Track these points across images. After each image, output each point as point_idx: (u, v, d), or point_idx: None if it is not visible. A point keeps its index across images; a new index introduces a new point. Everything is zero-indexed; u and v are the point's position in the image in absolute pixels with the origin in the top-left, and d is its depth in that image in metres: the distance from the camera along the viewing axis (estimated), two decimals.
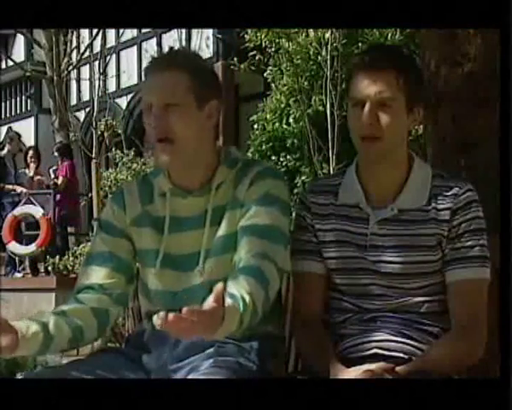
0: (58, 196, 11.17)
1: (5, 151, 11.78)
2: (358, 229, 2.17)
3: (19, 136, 12.14)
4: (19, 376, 5.27)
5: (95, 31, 13.55)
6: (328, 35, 7.85)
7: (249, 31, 8.50)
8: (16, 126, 16.77)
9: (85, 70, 14.57)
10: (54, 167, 11.65)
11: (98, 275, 2.20)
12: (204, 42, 13.19)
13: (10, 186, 11.37)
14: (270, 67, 8.81)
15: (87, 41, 14.12)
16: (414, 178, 2.17)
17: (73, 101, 16.11)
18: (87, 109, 14.79)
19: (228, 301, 1.82)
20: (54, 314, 2.08)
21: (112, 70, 14.75)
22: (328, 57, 7.83)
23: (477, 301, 2.13)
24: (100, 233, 2.29)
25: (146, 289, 2.27)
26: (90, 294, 2.17)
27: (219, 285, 1.77)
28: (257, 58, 8.77)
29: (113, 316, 2.19)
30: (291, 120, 8.71)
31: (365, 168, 2.19)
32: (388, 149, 2.11)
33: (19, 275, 11.06)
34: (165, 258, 2.20)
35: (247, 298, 1.89)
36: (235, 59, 9.42)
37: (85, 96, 15.29)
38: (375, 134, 2.09)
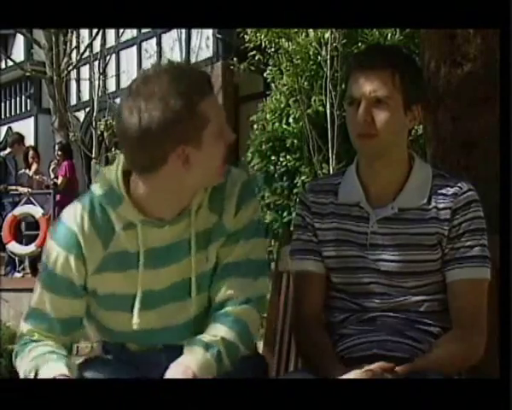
0: (58, 196, 11.17)
1: (7, 151, 11.78)
2: (359, 228, 2.17)
3: (22, 138, 12.13)
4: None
5: (94, 31, 13.56)
6: (328, 35, 7.85)
7: (249, 31, 8.50)
8: (16, 126, 16.78)
9: (85, 70, 14.58)
10: (53, 165, 11.61)
11: (43, 336, 1.97)
12: (204, 42, 13.19)
13: (13, 187, 11.38)
14: (269, 67, 8.82)
15: (87, 41, 14.14)
16: (414, 178, 2.17)
17: (73, 101, 16.12)
18: (87, 109, 14.80)
19: (199, 353, 1.88)
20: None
21: (112, 70, 14.76)
22: (328, 57, 7.84)
23: (477, 301, 2.12)
24: (47, 293, 1.96)
25: (104, 329, 2.05)
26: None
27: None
28: (257, 58, 8.78)
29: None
30: (291, 120, 8.72)
31: (365, 167, 2.19)
32: (384, 146, 2.11)
33: (19, 275, 11.06)
34: (143, 299, 1.97)
35: (222, 348, 1.91)
36: (235, 59, 9.43)
37: (85, 96, 15.30)
38: (370, 132, 2.10)
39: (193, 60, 13.18)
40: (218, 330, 1.94)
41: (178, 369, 1.86)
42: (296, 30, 7.96)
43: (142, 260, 1.94)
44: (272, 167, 8.95)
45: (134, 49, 15.14)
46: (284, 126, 8.78)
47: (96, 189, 1.96)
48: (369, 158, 2.15)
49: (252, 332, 2.01)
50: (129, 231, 1.93)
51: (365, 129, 2.10)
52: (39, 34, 14.29)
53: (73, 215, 1.95)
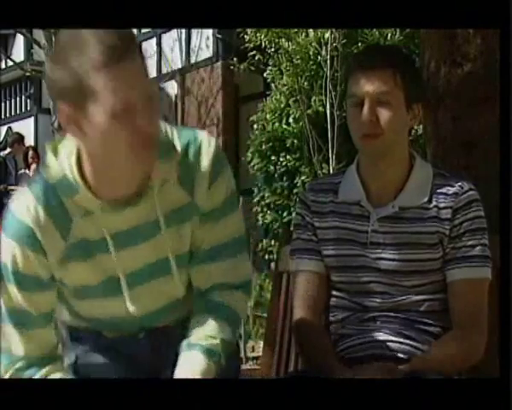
0: None
1: (7, 151, 11.78)
2: (359, 226, 2.17)
3: (22, 138, 12.13)
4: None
5: None
6: (328, 35, 7.86)
7: (249, 31, 8.52)
8: (16, 126, 16.77)
9: None
10: None
11: (23, 346, 1.85)
12: (204, 42, 13.19)
13: (13, 187, 11.38)
14: (269, 67, 8.84)
15: None
16: (415, 177, 2.17)
17: None
18: None
19: (199, 359, 1.83)
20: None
21: None
22: (328, 57, 7.85)
23: (478, 301, 2.13)
24: (19, 292, 1.82)
25: (82, 317, 1.95)
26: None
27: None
28: (257, 58, 8.80)
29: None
30: (291, 120, 8.74)
31: (367, 166, 2.19)
32: (389, 145, 2.12)
33: None
34: (117, 284, 1.87)
35: (219, 347, 1.86)
36: (235, 59, 9.44)
37: None
38: (376, 131, 2.10)
39: (193, 60, 13.19)
40: (216, 329, 1.88)
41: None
42: (296, 30, 7.97)
43: (109, 245, 1.82)
44: (272, 167, 8.97)
45: None
46: (284, 126, 8.80)
47: (48, 175, 1.80)
48: (374, 158, 2.15)
49: (241, 321, 1.95)
50: (88, 219, 1.80)
51: (371, 129, 2.10)
52: (39, 34, 14.28)
53: (25, 207, 1.79)
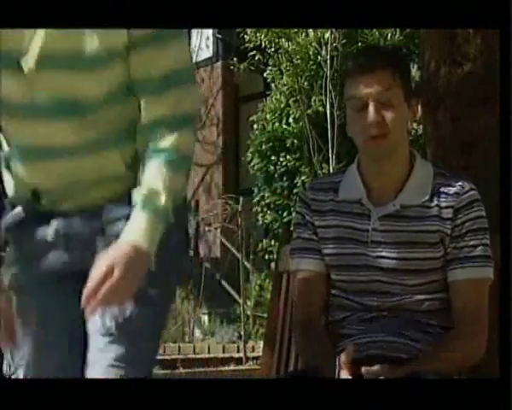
0: None
1: None
2: (360, 225, 2.17)
3: None
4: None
5: None
6: (328, 35, 7.87)
7: (249, 31, 8.52)
8: None
9: None
10: None
11: None
12: (204, 42, 13.19)
13: None
14: (269, 67, 8.84)
15: None
16: (416, 176, 2.17)
17: None
18: None
19: (142, 217, 1.74)
20: None
21: None
22: (328, 57, 7.86)
23: (479, 301, 2.13)
24: None
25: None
26: None
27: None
28: (257, 58, 8.80)
29: None
30: (291, 120, 8.74)
31: (369, 166, 2.19)
32: (394, 144, 2.13)
33: None
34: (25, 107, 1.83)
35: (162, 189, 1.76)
36: (235, 59, 9.44)
37: None
38: (384, 131, 2.10)
39: (193, 60, 13.20)
40: (162, 180, 1.77)
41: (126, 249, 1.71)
42: (296, 30, 7.98)
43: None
44: (272, 167, 8.98)
45: None
46: (284, 126, 8.80)
47: None
48: (380, 158, 2.15)
49: (190, 162, 1.85)
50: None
51: (378, 130, 2.10)
52: None
53: None
